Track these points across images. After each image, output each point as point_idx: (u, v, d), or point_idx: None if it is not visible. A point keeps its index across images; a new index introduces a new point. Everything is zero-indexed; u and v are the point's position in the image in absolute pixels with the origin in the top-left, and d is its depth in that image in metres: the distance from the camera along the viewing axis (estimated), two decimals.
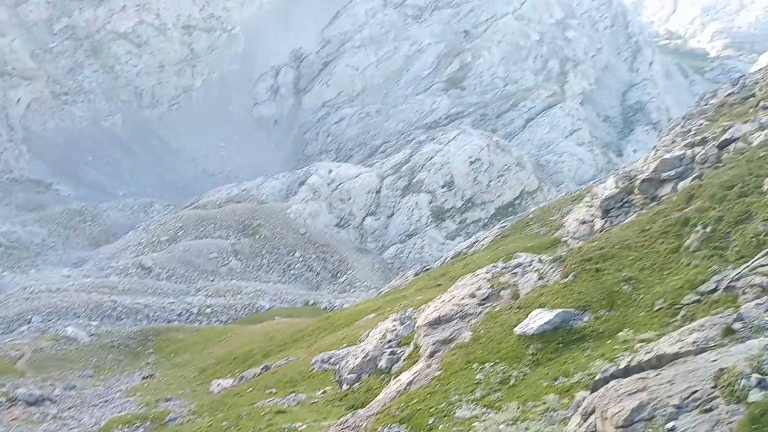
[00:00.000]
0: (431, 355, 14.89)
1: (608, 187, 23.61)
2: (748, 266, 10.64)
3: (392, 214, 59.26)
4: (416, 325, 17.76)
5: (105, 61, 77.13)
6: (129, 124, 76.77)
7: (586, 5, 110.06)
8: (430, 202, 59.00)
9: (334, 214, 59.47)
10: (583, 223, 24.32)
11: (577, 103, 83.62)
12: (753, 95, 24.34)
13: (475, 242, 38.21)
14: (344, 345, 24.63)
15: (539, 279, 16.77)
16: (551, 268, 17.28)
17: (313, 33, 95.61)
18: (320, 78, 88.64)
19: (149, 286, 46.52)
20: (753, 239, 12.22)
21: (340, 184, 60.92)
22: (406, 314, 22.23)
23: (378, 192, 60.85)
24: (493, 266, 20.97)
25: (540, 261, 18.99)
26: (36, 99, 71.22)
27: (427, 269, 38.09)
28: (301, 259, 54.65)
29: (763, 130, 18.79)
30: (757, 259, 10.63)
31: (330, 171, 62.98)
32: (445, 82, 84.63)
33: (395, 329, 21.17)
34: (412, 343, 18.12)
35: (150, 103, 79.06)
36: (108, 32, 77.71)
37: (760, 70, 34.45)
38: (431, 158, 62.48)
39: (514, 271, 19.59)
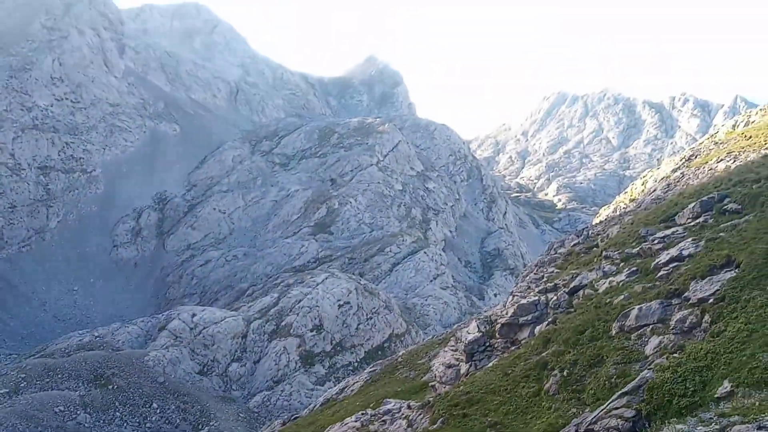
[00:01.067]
0: None
1: (471, 332, 24.46)
2: (603, 409, 11.26)
3: (259, 360, 57.28)
4: None
5: None
6: None
7: (444, 160, 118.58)
8: (299, 347, 57.82)
9: (196, 360, 56.56)
10: (449, 367, 24.77)
11: (440, 249, 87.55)
12: (596, 245, 26.75)
13: (345, 387, 37.55)
14: None
15: (408, 426, 16.69)
16: (420, 414, 17.32)
17: (179, 177, 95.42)
18: (186, 220, 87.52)
19: None
20: (606, 382, 13.00)
21: (204, 328, 58.56)
22: None
23: (244, 337, 58.94)
24: (363, 413, 20.66)
25: (409, 407, 18.98)
26: None
27: (295, 418, 36.63)
28: (158, 410, 50.81)
29: (607, 278, 20.55)
30: (612, 402, 11.29)
31: (193, 315, 60.58)
32: (313, 226, 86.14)
33: None
34: None
35: None
36: None
37: (600, 222, 38.11)
38: (299, 301, 61.99)
39: (383, 418, 19.40)
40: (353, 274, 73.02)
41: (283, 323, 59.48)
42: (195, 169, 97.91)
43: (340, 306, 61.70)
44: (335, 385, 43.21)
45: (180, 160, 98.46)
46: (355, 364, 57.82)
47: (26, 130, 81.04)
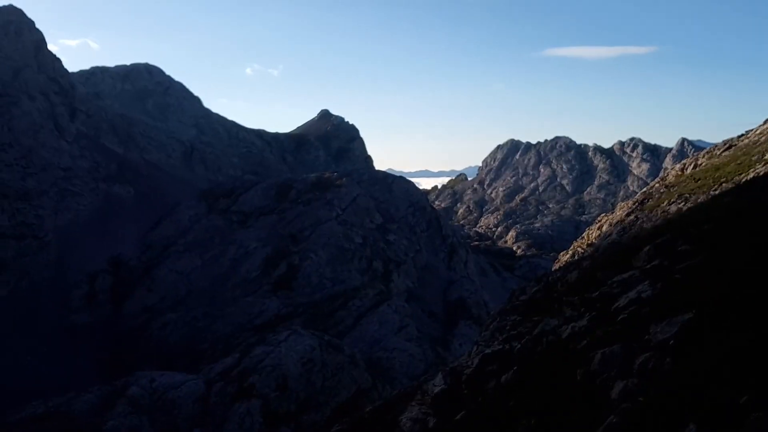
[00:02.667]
0: None
1: (437, 384, 24.20)
2: None
3: (222, 423, 55.49)
4: None
5: None
6: None
7: (403, 211, 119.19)
8: (263, 408, 56.31)
9: (156, 427, 54.54)
10: (417, 422, 24.35)
11: (403, 300, 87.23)
12: (556, 291, 26.96)
13: None
14: None
15: None
16: None
17: (134, 239, 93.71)
18: (142, 283, 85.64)
19: None
20: (574, 430, 12.91)
21: (163, 393, 56.72)
22: None
23: (206, 400, 57.20)
24: None
25: None
26: None
27: None
28: None
29: (569, 324, 20.63)
30: None
31: (152, 380, 58.69)
32: (273, 283, 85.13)
33: None
34: None
35: None
36: None
37: (560, 268, 38.50)
38: (262, 361, 60.67)
39: None
40: (317, 329, 72.06)
41: (246, 384, 58.00)
42: (150, 230, 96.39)
43: (304, 363, 60.58)
44: None
45: (135, 222, 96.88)
46: (322, 423, 56.48)
47: None
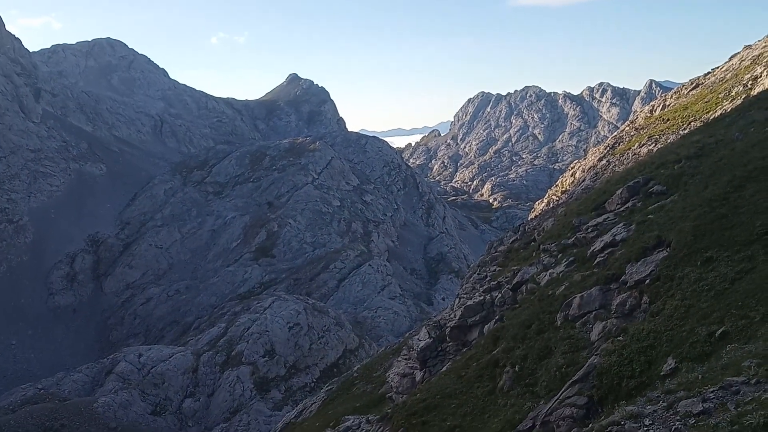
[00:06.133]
0: None
1: (422, 339, 24.58)
2: (556, 399, 11.49)
3: (213, 393, 56.03)
4: None
5: None
6: None
7: (379, 171, 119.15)
8: (253, 374, 56.83)
9: (148, 401, 54.90)
10: (404, 376, 24.82)
11: (384, 259, 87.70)
12: (533, 240, 27.32)
13: (303, 410, 37.12)
14: None
15: None
16: (379, 427, 17.27)
17: (111, 217, 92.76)
18: (122, 260, 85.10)
19: None
20: (557, 372, 13.27)
21: (152, 368, 56.96)
22: None
23: (195, 371, 57.59)
24: None
25: (368, 422, 18.93)
26: None
27: None
28: None
29: (547, 271, 21.00)
30: (564, 391, 11.53)
31: (140, 355, 58.84)
32: (254, 252, 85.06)
33: None
34: None
35: None
36: None
37: (536, 217, 38.98)
38: (248, 328, 61.06)
39: None
40: (300, 294, 72.44)
41: (233, 352, 58.43)
42: (126, 206, 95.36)
43: (290, 328, 61.03)
44: (293, 409, 42.68)
45: (110, 200, 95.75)
46: (312, 385, 57.24)
47: None
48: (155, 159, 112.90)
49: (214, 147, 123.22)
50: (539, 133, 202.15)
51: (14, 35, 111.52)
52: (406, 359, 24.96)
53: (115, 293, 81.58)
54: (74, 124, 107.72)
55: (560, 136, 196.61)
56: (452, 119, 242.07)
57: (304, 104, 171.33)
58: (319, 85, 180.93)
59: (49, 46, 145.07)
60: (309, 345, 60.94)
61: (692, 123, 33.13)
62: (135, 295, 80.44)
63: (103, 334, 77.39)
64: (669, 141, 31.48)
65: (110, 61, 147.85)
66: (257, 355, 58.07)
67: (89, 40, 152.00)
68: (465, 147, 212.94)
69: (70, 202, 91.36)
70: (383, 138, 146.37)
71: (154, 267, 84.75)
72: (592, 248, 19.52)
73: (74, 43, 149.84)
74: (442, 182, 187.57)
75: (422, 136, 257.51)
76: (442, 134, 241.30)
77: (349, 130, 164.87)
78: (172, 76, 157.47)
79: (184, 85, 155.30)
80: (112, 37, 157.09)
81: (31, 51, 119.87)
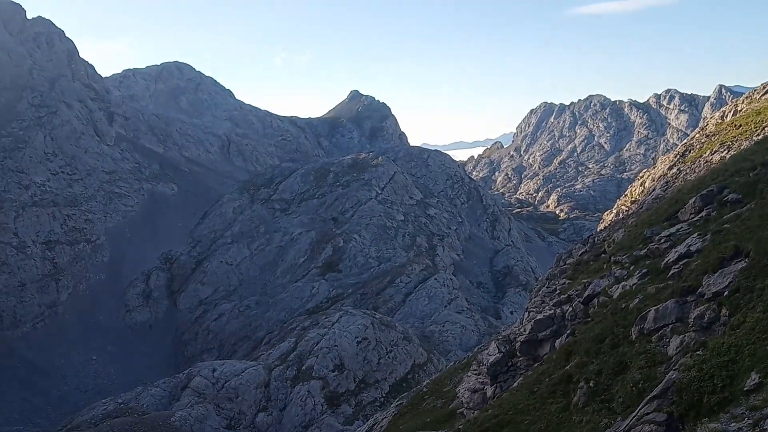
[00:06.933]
0: None
1: (491, 353, 24.45)
2: (634, 416, 11.31)
3: (285, 407, 56.91)
4: None
5: None
6: None
7: (442, 185, 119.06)
8: (323, 388, 57.47)
9: (222, 415, 56.22)
10: (475, 391, 24.71)
11: (450, 273, 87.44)
12: (604, 251, 26.85)
13: (374, 425, 37.29)
14: None
15: None
16: None
17: (183, 235, 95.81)
18: (194, 277, 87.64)
19: None
20: (633, 388, 13.04)
21: (226, 382, 58.31)
22: None
23: (267, 386, 58.65)
24: None
25: None
26: None
27: None
28: None
29: (619, 283, 20.62)
30: (642, 407, 11.34)
31: (214, 370, 60.35)
32: (321, 267, 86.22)
33: None
34: None
35: (11, 324, 73.83)
36: None
37: (605, 228, 38.25)
38: (317, 343, 61.82)
39: None
40: (367, 309, 72.91)
41: (303, 367, 59.23)
42: (197, 225, 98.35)
43: (358, 343, 61.47)
44: (364, 423, 42.95)
45: (181, 218, 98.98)
46: (381, 400, 57.43)
47: (26, 207, 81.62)
48: (223, 178, 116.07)
49: (279, 165, 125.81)
50: (605, 143, 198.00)
51: (87, 62, 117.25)
52: (476, 374, 24.86)
53: (188, 309, 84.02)
54: (146, 146, 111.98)
55: (627, 145, 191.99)
56: (515, 130, 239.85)
57: (365, 120, 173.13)
58: (380, 101, 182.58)
59: (120, 71, 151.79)
60: (377, 359, 61.20)
61: (766, 128, 31.98)
62: (207, 311, 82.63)
63: (178, 349, 79.73)
64: (742, 147, 30.46)
65: (178, 84, 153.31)
66: (327, 370, 58.69)
67: (158, 64, 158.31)
68: (529, 158, 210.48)
69: (143, 222, 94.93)
70: (445, 151, 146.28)
71: (225, 283, 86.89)
72: (666, 259, 19.08)
73: (144, 67, 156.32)
74: (507, 194, 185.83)
75: (485, 148, 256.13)
76: (504, 146, 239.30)
77: (411, 144, 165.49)
78: (237, 96, 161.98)
79: (250, 105, 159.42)
80: (179, 60, 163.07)
81: (103, 76, 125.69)
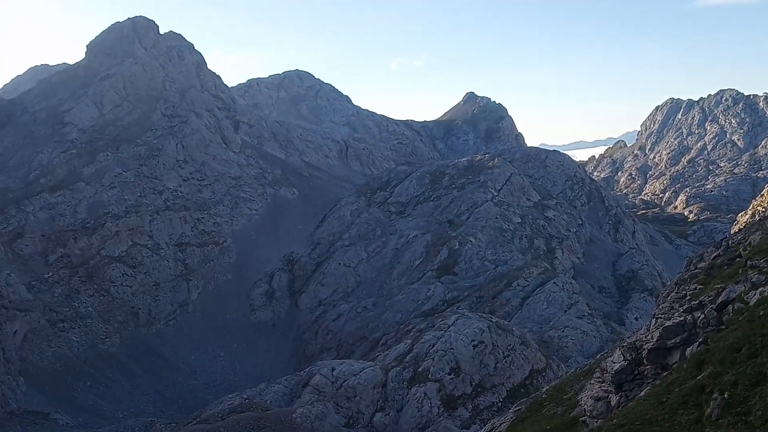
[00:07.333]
0: None
1: (616, 360, 23.60)
2: None
3: (401, 408, 57.46)
4: None
5: (100, 285, 78.19)
6: (126, 344, 76.42)
7: (560, 186, 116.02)
8: (439, 391, 57.53)
9: (341, 413, 57.59)
10: (598, 399, 23.96)
11: (570, 277, 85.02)
12: (739, 255, 25.25)
13: (491, 429, 36.94)
14: None
15: None
16: None
17: (303, 238, 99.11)
18: (314, 278, 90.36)
19: None
20: None
21: (344, 381, 59.68)
22: None
23: (384, 386, 59.45)
24: None
25: None
26: (32, 329, 71.18)
27: None
28: None
29: (756, 289, 19.35)
30: None
31: (333, 369, 61.93)
32: (436, 270, 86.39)
33: None
34: None
35: (146, 321, 79.28)
36: (102, 257, 79.72)
37: (740, 230, 35.94)
38: (434, 345, 61.96)
39: None
40: (483, 312, 72.30)
41: (420, 369, 59.58)
42: (316, 228, 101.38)
43: (474, 346, 61.06)
44: (481, 428, 42.64)
45: (302, 221, 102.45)
46: (499, 404, 56.76)
47: (160, 211, 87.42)
48: (341, 182, 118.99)
49: (395, 168, 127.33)
50: (738, 140, 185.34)
51: (215, 72, 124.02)
52: (599, 382, 24.08)
53: (309, 309, 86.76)
54: (269, 152, 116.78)
55: (763, 142, 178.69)
56: (639, 129, 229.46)
57: (481, 122, 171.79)
58: (496, 102, 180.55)
59: (244, 81, 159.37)
60: (494, 364, 60.54)
61: None
62: (327, 312, 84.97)
63: (300, 348, 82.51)
64: None
65: (299, 92, 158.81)
66: (443, 372, 58.71)
67: (280, 73, 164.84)
68: (654, 157, 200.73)
69: (267, 225, 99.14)
70: (564, 152, 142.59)
71: (344, 284, 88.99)
72: None
73: (266, 76, 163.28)
74: (630, 195, 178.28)
75: (606, 147, 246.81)
76: (628, 145, 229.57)
77: (528, 145, 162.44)
78: (354, 101, 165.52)
79: (366, 110, 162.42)
80: (300, 68, 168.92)
81: (229, 86, 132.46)
